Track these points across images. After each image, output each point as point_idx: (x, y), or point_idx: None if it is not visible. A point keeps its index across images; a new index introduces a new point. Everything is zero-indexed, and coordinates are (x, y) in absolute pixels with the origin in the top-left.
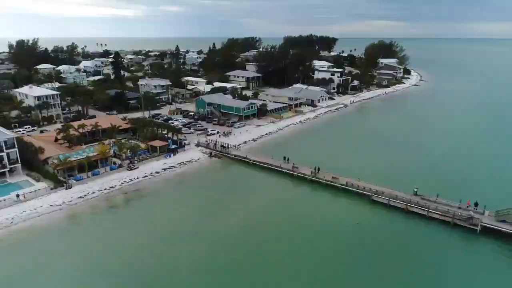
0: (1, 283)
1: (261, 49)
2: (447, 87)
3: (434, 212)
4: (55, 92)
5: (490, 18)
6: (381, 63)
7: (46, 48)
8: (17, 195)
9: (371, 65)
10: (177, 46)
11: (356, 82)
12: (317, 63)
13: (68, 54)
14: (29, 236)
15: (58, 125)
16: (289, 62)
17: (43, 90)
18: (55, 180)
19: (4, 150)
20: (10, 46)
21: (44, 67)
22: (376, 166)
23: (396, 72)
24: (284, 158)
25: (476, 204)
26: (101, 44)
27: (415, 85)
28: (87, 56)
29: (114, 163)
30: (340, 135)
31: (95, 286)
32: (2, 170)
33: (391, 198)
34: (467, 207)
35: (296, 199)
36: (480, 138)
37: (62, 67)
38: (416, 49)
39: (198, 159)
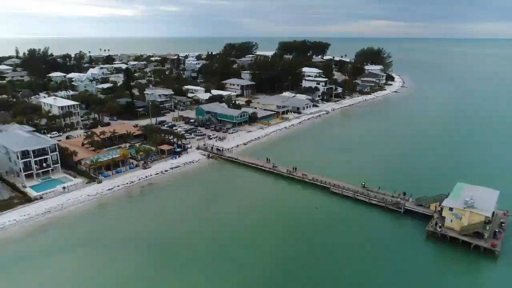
0: (66, 244)
1: (257, 53)
2: (424, 94)
3: (373, 199)
4: (76, 103)
5: (489, 18)
6: (367, 70)
7: (51, 54)
8: (64, 188)
9: (357, 72)
10: (178, 56)
11: (340, 89)
12: (307, 70)
13: (76, 62)
14: (76, 216)
15: (79, 131)
16: (280, 70)
17: (66, 101)
18: (88, 177)
19: (49, 153)
20: (18, 52)
21: (56, 75)
22: (340, 165)
23: (379, 79)
24: (267, 159)
25: (404, 194)
26: (105, 50)
27: (395, 91)
28: (91, 61)
29: (132, 163)
30: (316, 139)
31: (119, 245)
32: (47, 169)
33: (344, 190)
34: (398, 196)
35: (274, 191)
36: (429, 142)
37: (73, 75)
38: (411, 51)
39: (198, 160)
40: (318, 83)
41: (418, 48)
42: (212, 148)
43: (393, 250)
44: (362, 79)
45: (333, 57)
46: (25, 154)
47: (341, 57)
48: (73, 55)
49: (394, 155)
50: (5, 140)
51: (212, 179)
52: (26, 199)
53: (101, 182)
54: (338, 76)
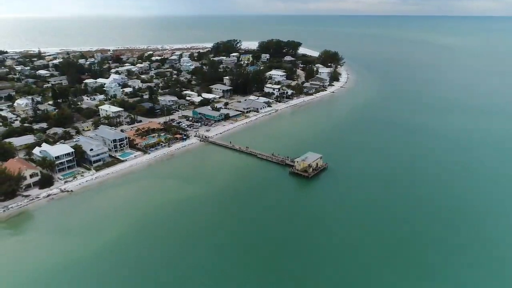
0: (140, 177)
1: (241, 48)
2: (352, 95)
3: (274, 160)
4: (121, 109)
5: None
6: (320, 72)
7: (70, 58)
8: (134, 156)
9: (310, 76)
10: (173, 66)
11: (290, 92)
12: (274, 72)
13: (99, 67)
14: (142, 168)
15: (124, 126)
16: (250, 78)
17: (116, 108)
18: (143, 151)
19: (124, 140)
20: (41, 52)
21: (90, 81)
22: (268, 144)
23: (323, 82)
24: (230, 142)
25: (288, 157)
26: (109, 50)
27: (333, 92)
28: (103, 63)
29: (162, 144)
30: (261, 130)
31: (163, 178)
32: (123, 148)
33: (262, 155)
34: (285, 157)
35: (232, 158)
36: (318, 130)
37: (103, 81)
38: (391, 41)
39: (195, 143)
40: (274, 89)
41: (401, 35)
42: (202, 136)
43: (273, 179)
44: (311, 82)
45: (301, 59)
46: (115, 140)
47: (304, 55)
48: (95, 60)
49: (294, 138)
50: (102, 133)
51: (202, 152)
52: (119, 161)
53: (149, 153)
54: (301, 74)
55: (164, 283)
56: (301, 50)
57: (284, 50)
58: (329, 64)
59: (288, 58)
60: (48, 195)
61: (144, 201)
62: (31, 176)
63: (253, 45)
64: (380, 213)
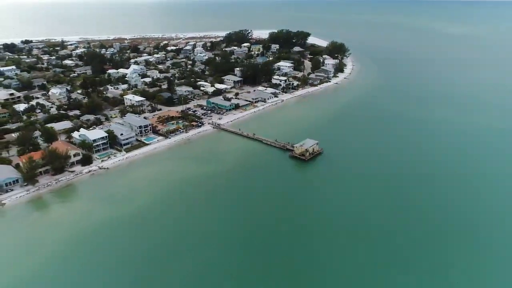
0: (162, 159)
1: (252, 37)
2: (353, 87)
3: (277, 145)
4: (144, 98)
5: None
6: (326, 63)
7: (91, 47)
8: (157, 140)
9: (316, 67)
10: (188, 57)
11: (296, 83)
12: (282, 64)
13: (120, 58)
14: (163, 150)
15: (146, 114)
16: (259, 69)
17: (139, 98)
18: (164, 136)
19: (148, 126)
20: (64, 41)
21: (112, 71)
22: (272, 131)
23: (328, 74)
24: (239, 129)
25: (289, 143)
26: (126, 39)
27: (336, 83)
28: (123, 51)
29: (180, 130)
30: (268, 118)
31: (181, 159)
32: (147, 133)
33: (267, 141)
34: (286, 143)
35: (240, 143)
36: (315, 120)
37: (124, 71)
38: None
39: (209, 130)
40: (280, 81)
41: (412, 23)
42: (215, 123)
43: (275, 161)
44: (316, 73)
45: (310, 45)
46: (141, 126)
47: (313, 45)
48: (114, 50)
49: (295, 126)
50: (129, 120)
51: (215, 138)
52: (145, 145)
53: (169, 138)
54: (308, 65)
55: (183, 239)
56: (311, 40)
57: (293, 40)
58: (335, 55)
59: (297, 48)
60: (89, 171)
61: (166, 177)
62: (74, 155)
63: (264, 34)
64: (364, 190)
